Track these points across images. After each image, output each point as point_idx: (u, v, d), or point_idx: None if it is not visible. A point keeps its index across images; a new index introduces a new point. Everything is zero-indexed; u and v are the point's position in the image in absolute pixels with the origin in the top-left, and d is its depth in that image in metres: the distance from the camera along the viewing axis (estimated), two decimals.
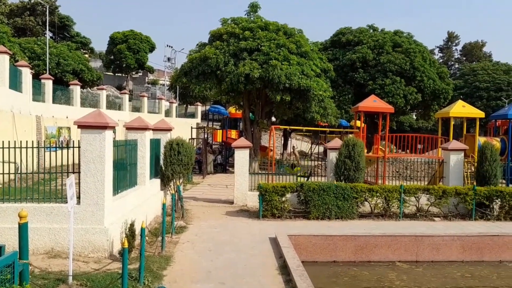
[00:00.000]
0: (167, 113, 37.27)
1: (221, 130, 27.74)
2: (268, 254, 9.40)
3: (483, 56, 66.29)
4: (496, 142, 17.62)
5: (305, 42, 21.06)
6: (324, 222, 12.50)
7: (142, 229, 7.13)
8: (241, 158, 14.37)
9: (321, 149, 34.35)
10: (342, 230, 11.33)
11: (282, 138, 36.27)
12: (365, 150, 19.48)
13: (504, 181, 16.48)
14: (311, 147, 37.81)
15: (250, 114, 23.79)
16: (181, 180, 12.85)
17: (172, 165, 12.28)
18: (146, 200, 11.14)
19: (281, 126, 24.66)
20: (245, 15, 21.51)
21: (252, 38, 19.66)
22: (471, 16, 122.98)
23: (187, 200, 14.79)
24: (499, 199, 13.45)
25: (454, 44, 71.24)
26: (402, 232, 11.33)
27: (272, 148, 19.30)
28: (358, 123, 19.25)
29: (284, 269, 8.38)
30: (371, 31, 30.48)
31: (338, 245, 10.74)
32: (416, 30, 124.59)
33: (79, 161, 8.37)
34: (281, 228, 11.32)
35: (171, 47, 53.09)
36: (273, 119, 33.30)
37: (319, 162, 22.57)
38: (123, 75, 52.91)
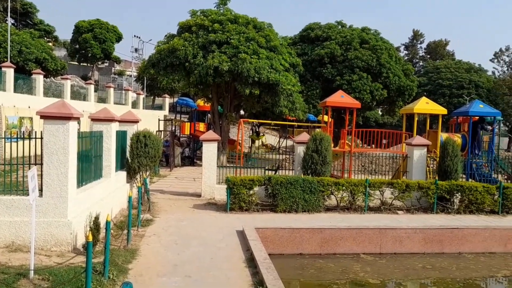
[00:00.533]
0: (134, 105, 36.65)
1: (189, 123, 27.50)
2: (235, 247, 9.42)
3: (446, 54, 68.07)
4: (457, 138, 18.14)
5: (274, 37, 21.08)
6: (291, 215, 12.61)
7: (107, 222, 7.01)
8: (209, 151, 14.31)
9: (289, 143, 34.58)
10: (308, 223, 11.46)
11: (251, 132, 36.32)
12: (332, 145, 19.79)
13: (464, 176, 17.02)
14: (279, 141, 38.00)
15: (219, 107, 23.69)
16: (147, 173, 12.69)
17: (139, 157, 12.09)
18: (112, 192, 10.95)
19: (249, 120, 24.69)
20: (214, 7, 21.36)
21: (222, 31, 19.54)
22: (436, 15, 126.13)
23: (154, 193, 14.62)
24: (459, 193, 13.90)
25: (419, 42, 72.88)
26: (366, 225, 11.56)
27: (240, 141, 19.30)
28: (326, 117, 19.48)
29: (251, 262, 8.42)
30: (340, 27, 30.83)
31: (305, 238, 10.87)
32: (383, 27, 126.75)
33: (41, 152, 8.13)
34: (248, 221, 11.35)
35: (139, 37, 52.13)
36: (242, 112, 33.31)
37: (287, 156, 22.69)
38: (89, 65, 51.63)
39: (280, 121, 27.41)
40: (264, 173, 14.99)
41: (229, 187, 12.59)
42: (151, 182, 16.79)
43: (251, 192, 12.81)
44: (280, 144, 37.01)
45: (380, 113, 51.78)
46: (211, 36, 19.14)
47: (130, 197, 9.30)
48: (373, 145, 21.14)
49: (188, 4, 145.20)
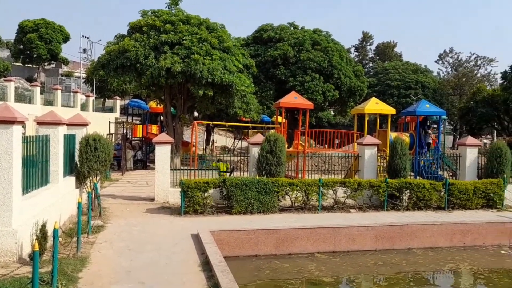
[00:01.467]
0: (83, 107, 35.51)
1: (141, 125, 26.96)
2: (190, 251, 9.30)
3: (394, 56, 70.44)
4: (405, 137, 18.77)
5: (227, 37, 20.99)
6: (246, 216, 12.61)
7: (55, 230, 6.73)
8: (162, 154, 14.07)
9: (244, 144, 34.63)
10: (264, 224, 11.49)
11: (205, 133, 36.08)
12: (286, 145, 19.98)
13: (413, 174, 17.63)
14: (234, 142, 37.96)
15: (172, 108, 23.36)
16: (98, 178, 12.32)
17: (89, 161, 11.72)
18: (60, 199, 10.53)
19: (203, 122, 24.51)
20: (166, 7, 20.98)
21: (174, 32, 19.24)
22: (384, 17, 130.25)
23: (105, 198, 14.22)
24: (408, 191, 14.39)
25: (368, 44, 75.02)
26: (320, 224, 11.74)
27: (194, 143, 19.10)
28: (280, 118, 19.64)
29: (206, 265, 8.34)
30: (292, 28, 31.22)
31: (260, 239, 10.89)
32: (334, 29, 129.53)
33: None
34: (203, 224, 11.25)
35: (87, 38, 50.50)
36: (196, 114, 33.00)
37: (242, 157, 22.70)
38: (34, 66, 49.56)
39: (234, 123, 27.39)
40: (219, 175, 14.91)
41: (183, 190, 12.43)
42: (102, 187, 16.33)
43: (206, 194, 12.70)
44: (235, 145, 36.99)
45: (332, 113, 52.82)
46: (162, 37, 18.82)
47: (79, 203, 8.97)
48: (326, 145, 21.52)
49: (138, 4, 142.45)
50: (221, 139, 43.48)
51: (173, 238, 10.16)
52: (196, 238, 10.09)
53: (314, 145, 25.08)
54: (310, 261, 10.78)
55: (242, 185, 12.76)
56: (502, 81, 27.01)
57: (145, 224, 11.46)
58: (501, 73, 28.17)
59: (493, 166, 15.68)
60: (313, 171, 21.05)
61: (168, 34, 19.07)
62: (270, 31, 30.15)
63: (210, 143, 34.75)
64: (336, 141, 22.47)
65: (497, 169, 15.56)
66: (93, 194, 11.64)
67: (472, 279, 10.55)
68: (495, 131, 29.41)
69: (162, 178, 14.03)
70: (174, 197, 13.84)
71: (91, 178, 12.05)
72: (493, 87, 40.78)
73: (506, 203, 15.37)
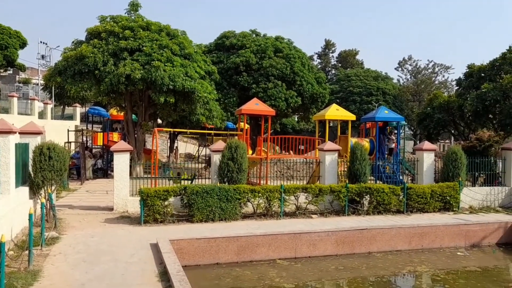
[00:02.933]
0: (42, 115, 34.42)
1: (102, 133, 26.35)
2: (149, 261, 9.10)
3: (356, 63, 71.81)
4: (365, 143, 19.10)
5: (188, 44, 20.87)
6: (208, 224, 12.47)
7: (1, 244, 6.42)
8: (121, 162, 13.76)
9: (208, 151, 34.37)
10: (225, 232, 11.38)
11: (168, 141, 35.62)
12: (250, 152, 19.97)
13: (373, 178, 17.93)
14: (198, 149, 37.65)
15: (133, 116, 22.97)
16: (53, 187, 11.90)
17: (43, 171, 11.32)
18: (11, 210, 10.10)
19: (164, 129, 24.13)
20: (125, 13, 20.68)
21: (133, 38, 18.96)
22: (346, 25, 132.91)
23: (61, 208, 13.78)
24: (368, 195, 14.61)
25: (331, 51, 76.19)
26: (282, 231, 11.73)
27: (155, 151, 18.80)
28: (242, 125, 19.63)
29: (164, 275, 8.17)
30: (254, 35, 31.34)
31: (221, 247, 10.79)
32: (297, 37, 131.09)
33: None
34: (163, 233, 11.05)
35: (46, 43, 49.15)
36: (159, 121, 32.55)
37: (205, 165, 22.53)
38: None
39: (197, 130, 27.15)
40: (180, 183, 14.71)
41: (143, 199, 12.18)
42: (59, 197, 15.85)
43: (166, 203, 12.50)
44: (200, 152, 36.71)
45: (296, 119, 53.27)
46: (122, 43, 18.51)
47: (30, 215, 8.62)
48: (292, 151, 21.64)
49: (98, 10, 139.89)
50: (186, 146, 43.07)
51: (131, 248, 9.92)
52: (155, 248, 9.89)
53: (279, 152, 25.17)
54: (271, 268, 10.75)
55: (203, 193, 12.62)
56: (457, 88, 27.97)
57: (102, 234, 11.15)
58: (455, 80, 29.20)
59: (449, 170, 16.11)
60: (277, 177, 21.13)
61: (128, 40, 18.78)
62: (232, 38, 30.17)
63: (174, 151, 34.32)
64: (301, 147, 22.64)
65: (453, 173, 16.00)
66: (47, 204, 11.24)
67: (430, 281, 10.76)
68: (452, 136, 30.43)
69: (121, 187, 13.71)
70: (133, 206, 13.55)
71: (46, 188, 11.64)
72: (450, 93, 42.23)
73: (462, 206, 15.82)
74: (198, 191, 12.58)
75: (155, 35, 19.50)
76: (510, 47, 23.32)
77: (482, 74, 24.20)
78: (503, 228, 13.71)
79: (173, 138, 34.75)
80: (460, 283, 10.36)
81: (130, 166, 18.51)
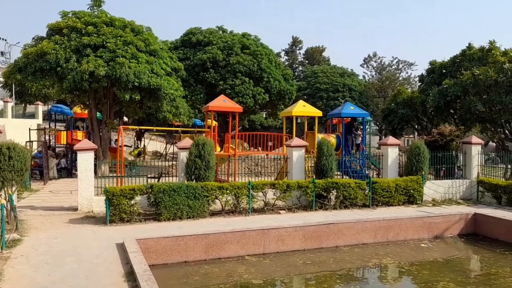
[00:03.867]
0: (1, 114, 33.31)
1: (65, 132, 25.69)
2: (115, 261, 8.94)
3: (322, 60, 72.58)
4: (332, 138, 19.33)
5: (154, 40, 20.59)
6: (175, 222, 12.37)
7: None
8: (85, 161, 13.45)
9: (176, 149, 34.05)
10: (193, 230, 11.32)
11: (135, 139, 35.11)
12: (218, 149, 19.89)
13: (340, 173, 18.19)
14: (165, 147, 37.26)
15: (98, 113, 22.50)
16: (14, 188, 11.52)
17: (2, 171, 10.94)
18: None
19: (130, 126, 23.79)
20: (88, 9, 20.18)
21: (97, 34, 18.54)
22: (313, 22, 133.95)
23: (23, 209, 13.38)
24: (335, 190, 14.80)
25: (298, 48, 76.72)
26: (250, 227, 11.74)
27: (121, 149, 18.48)
28: (210, 122, 19.53)
29: (130, 275, 8.04)
30: (221, 32, 31.22)
31: (189, 245, 10.72)
32: (264, 34, 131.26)
33: None
34: (129, 233, 10.89)
35: (5, 40, 47.48)
36: (126, 119, 32.02)
37: (173, 162, 22.29)
38: None
39: (165, 127, 26.87)
40: (147, 181, 14.53)
41: (108, 198, 11.96)
42: (20, 198, 15.38)
43: (133, 202, 12.31)
44: (167, 150, 36.33)
45: (264, 116, 53.44)
46: (84, 39, 18.07)
47: None
48: (260, 148, 21.68)
49: (59, 5, 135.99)
50: (153, 144, 42.53)
51: (96, 249, 9.73)
52: (121, 248, 9.72)
53: (248, 148, 25.16)
54: (240, 264, 10.76)
55: (170, 191, 12.50)
56: (420, 84, 28.65)
57: (66, 235, 10.88)
58: (418, 76, 29.90)
59: (412, 164, 16.51)
60: (246, 174, 21.12)
61: (91, 36, 18.37)
62: (198, 35, 29.96)
63: (143, 149, 33.82)
64: (270, 143, 22.69)
65: (416, 167, 16.40)
66: (8, 206, 10.88)
67: (395, 273, 11.02)
68: (416, 131, 31.19)
69: (86, 187, 13.41)
70: (99, 205, 13.28)
71: (5, 189, 11.25)
72: (413, 89, 43.24)
73: (425, 199, 16.26)
74: (165, 189, 12.46)
75: (119, 31, 19.14)
76: (469, 44, 24.11)
77: (444, 71, 24.90)
78: (464, 220, 14.17)
79: (140, 136, 34.30)
80: (423, 274, 10.64)
81: (95, 165, 18.17)
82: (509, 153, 20.76)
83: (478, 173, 17.51)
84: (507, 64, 19.65)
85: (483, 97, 20.42)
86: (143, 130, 33.43)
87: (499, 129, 22.32)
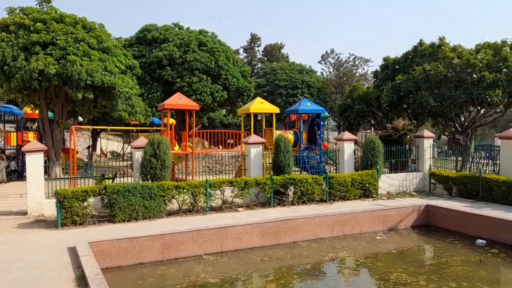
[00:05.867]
0: None
1: (15, 133, 24.69)
2: (66, 265, 8.65)
3: (281, 57, 72.99)
4: (289, 135, 19.45)
5: (107, 38, 20.01)
6: (131, 224, 12.11)
7: None
8: (34, 163, 12.95)
9: None
10: (149, 231, 11.11)
11: (91, 139, 34.20)
12: (177, 147, 19.65)
13: (298, 169, 18.33)
14: (123, 147, 36.52)
15: (50, 113, 21.74)
16: None
17: None
18: None
19: (83, 126, 23.10)
20: (36, 5, 19.39)
21: (46, 31, 17.84)
22: (271, 19, 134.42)
23: None
24: (292, 186, 14.92)
25: (256, 45, 76.80)
26: (207, 226, 11.64)
27: (73, 150, 17.93)
28: (166, 120, 19.25)
29: (82, 279, 7.80)
30: (177, 29, 30.81)
31: (144, 246, 10.51)
32: (221, 31, 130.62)
33: None
34: (82, 236, 10.57)
35: None
36: (81, 119, 31.12)
37: (129, 162, 21.87)
38: None
39: (119, 126, 26.28)
40: (101, 182, 14.14)
41: (59, 201, 11.56)
42: None
43: (85, 204, 11.96)
44: (125, 150, 35.62)
45: (224, 114, 53.28)
46: (33, 37, 17.35)
47: None
48: (220, 146, 21.56)
49: (5, 1, 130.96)
50: (110, 144, 41.63)
51: (47, 254, 9.39)
52: (73, 252, 9.42)
53: (208, 146, 24.94)
54: (197, 264, 10.65)
55: (125, 192, 12.23)
56: (374, 80, 29.25)
57: (15, 241, 10.45)
58: (373, 72, 30.53)
59: (368, 159, 16.85)
60: (205, 172, 20.97)
61: (40, 33, 17.66)
62: (154, 32, 29.44)
63: (97, 149, 33.01)
64: (230, 141, 22.60)
65: (372, 161, 16.75)
66: None
67: (350, 266, 11.20)
68: (372, 126, 31.86)
69: (35, 189, 12.91)
70: (50, 209, 12.83)
71: None
72: (369, 85, 44.16)
73: (381, 192, 16.65)
74: (120, 190, 12.17)
75: (70, 28, 18.50)
76: (420, 40, 24.79)
77: (397, 66, 25.50)
78: (417, 211, 14.59)
79: (95, 136, 33.41)
80: (378, 266, 10.88)
81: (48, 167, 17.56)
82: (460, 146, 21.55)
83: (430, 165, 18.08)
84: (456, 59, 20.33)
85: (434, 92, 21.06)
86: (98, 130, 32.62)
87: (449, 123, 23.09)
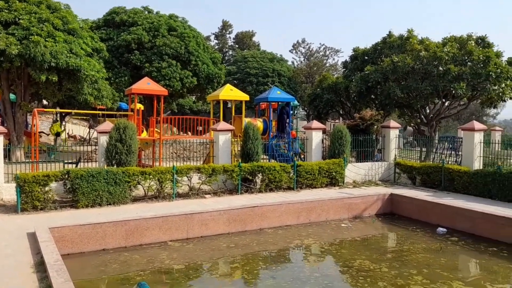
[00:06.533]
0: None
1: None
2: (25, 251, 8.41)
3: (252, 45, 72.61)
4: (259, 123, 19.43)
5: (73, 19, 19.40)
6: (94, 209, 11.86)
7: None
8: None
9: None
10: (113, 216, 10.91)
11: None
12: (144, 133, 19.32)
13: (266, 157, 18.36)
14: (89, 131, 35.71)
15: (12, 95, 20.99)
16: None
17: None
18: None
19: (46, 109, 22.42)
20: None
21: (8, 10, 17.14)
22: (243, 6, 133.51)
23: None
24: (260, 174, 14.93)
25: (228, 32, 76.16)
26: (173, 212, 11.53)
27: (39, 133, 17.42)
28: (133, 105, 18.88)
29: (41, 266, 7.60)
30: (146, 12, 30.12)
31: (108, 232, 10.33)
32: (192, 16, 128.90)
33: None
34: (43, 221, 10.29)
35: None
36: (45, 102, 30.23)
37: (95, 147, 21.37)
38: None
39: (87, 110, 25.65)
40: (63, 166, 13.80)
41: (19, 185, 11.20)
42: None
43: (47, 188, 11.63)
44: (91, 135, 34.85)
45: (193, 100, 52.79)
46: None
47: None
48: (189, 132, 21.30)
49: None
50: (76, 128, 40.65)
51: (5, 240, 9.10)
52: (33, 237, 9.16)
53: (177, 133, 24.65)
54: (162, 250, 10.55)
55: (89, 177, 11.95)
56: (344, 70, 29.50)
57: None
58: (342, 62, 30.78)
59: (335, 148, 17.01)
60: (173, 159, 20.74)
61: (1, 12, 16.96)
62: (122, 14, 28.69)
63: (66, 134, 32.21)
64: (199, 128, 22.37)
65: (339, 150, 16.93)
66: None
67: (315, 253, 11.33)
68: (340, 116, 32.24)
69: None
70: (10, 193, 12.40)
71: None
72: (339, 75, 44.55)
73: (347, 181, 16.87)
74: (83, 175, 11.88)
75: (33, 7, 17.83)
76: (389, 32, 25.14)
77: (366, 57, 25.81)
78: (381, 200, 14.88)
79: (60, 120, 32.53)
80: (342, 253, 11.05)
81: (9, 150, 16.99)
82: (424, 137, 22.04)
83: (395, 155, 18.42)
84: (423, 52, 20.70)
85: (402, 83, 21.42)
86: (63, 114, 31.78)
87: (415, 114, 23.59)
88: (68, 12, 19.49)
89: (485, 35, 21.84)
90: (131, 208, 12.17)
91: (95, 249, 10.17)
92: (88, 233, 10.06)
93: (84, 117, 40.17)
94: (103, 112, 21.48)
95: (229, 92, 19.78)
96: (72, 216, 10.98)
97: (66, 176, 11.83)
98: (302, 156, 20.38)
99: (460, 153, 17.84)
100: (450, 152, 19.80)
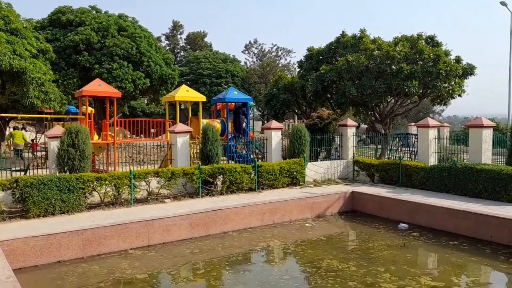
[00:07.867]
0: None
1: None
2: None
3: (205, 45, 71.97)
4: (217, 124, 19.08)
5: (15, 18, 18.32)
6: (47, 219, 11.13)
7: None
8: None
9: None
10: (67, 226, 10.26)
11: (11, 129, 31.39)
12: (96, 137, 18.47)
13: (225, 159, 18.04)
14: (35, 136, 33.96)
15: None
16: None
17: None
18: None
19: None
20: None
21: None
22: (194, 7, 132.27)
23: None
24: (221, 176, 14.59)
25: (179, 33, 75.14)
26: (132, 219, 11.01)
27: None
28: (84, 108, 18.04)
29: None
30: (94, 12, 28.99)
31: (63, 243, 9.70)
32: (142, 16, 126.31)
33: None
34: None
35: None
36: None
37: (43, 153, 20.27)
38: None
39: (33, 114, 24.31)
40: (11, 174, 12.91)
41: None
42: None
43: None
44: (38, 140, 33.17)
45: (146, 102, 51.58)
46: None
47: None
48: (143, 135, 20.60)
49: None
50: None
51: None
52: None
53: (129, 136, 23.76)
54: (122, 259, 10.03)
55: (40, 185, 11.20)
56: (299, 70, 29.65)
57: None
58: (297, 62, 30.93)
59: (295, 147, 16.95)
60: (128, 163, 19.98)
61: None
62: (69, 14, 27.44)
63: (6, 139, 30.40)
64: (152, 130, 21.68)
65: (298, 149, 16.88)
66: None
67: (281, 254, 11.13)
68: (296, 115, 32.42)
69: None
70: None
71: None
72: (292, 75, 44.86)
73: (308, 180, 16.84)
74: (33, 183, 11.12)
75: None
76: (343, 32, 25.50)
77: (321, 57, 26.05)
78: (343, 198, 14.94)
79: (4, 125, 30.73)
80: (308, 253, 10.90)
81: None
82: (379, 134, 22.46)
83: (354, 153, 18.61)
84: (376, 51, 21.07)
85: (356, 82, 21.71)
86: (7, 119, 30.03)
87: (370, 112, 24.00)
88: (10, 11, 18.39)
89: (434, 34, 22.53)
90: (86, 216, 11.53)
91: (50, 262, 9.52)
92: (42, 245, 9.40)
93: (30, 122, 38.24)
94: (51, 116, 20.42)
95: (185, 93, 19.32)
96: (23, 227, 10.23)
97: (15, 184, 11.03)
98: (260, 157, 20.22)
99: (413, 149, 18.25)
100: (402, 148, 20.26)
